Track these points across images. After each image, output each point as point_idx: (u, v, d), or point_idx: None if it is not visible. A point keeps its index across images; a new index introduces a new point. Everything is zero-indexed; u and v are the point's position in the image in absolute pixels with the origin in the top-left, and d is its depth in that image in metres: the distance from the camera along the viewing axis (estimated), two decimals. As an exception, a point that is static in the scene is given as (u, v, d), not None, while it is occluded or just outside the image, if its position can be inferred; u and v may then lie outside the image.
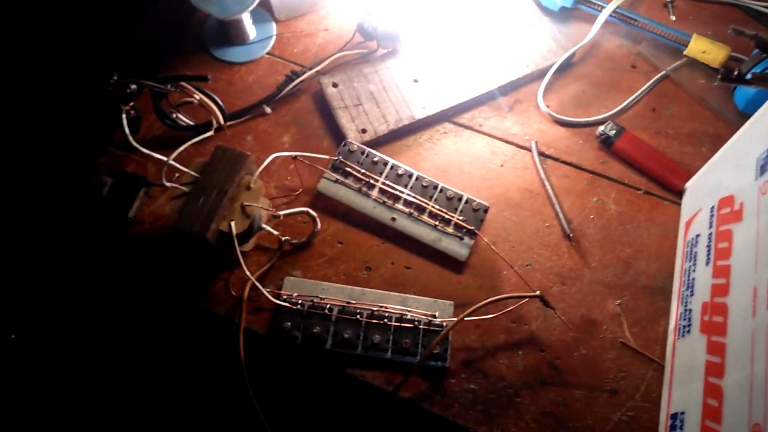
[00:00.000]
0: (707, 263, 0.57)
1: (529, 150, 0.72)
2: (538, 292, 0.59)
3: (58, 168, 0.67)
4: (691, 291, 0.59)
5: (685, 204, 0.68)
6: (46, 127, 0.68)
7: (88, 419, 0.82)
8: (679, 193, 0.69)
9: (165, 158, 0.58)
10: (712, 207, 0.59)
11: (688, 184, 0.68)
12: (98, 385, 0.82)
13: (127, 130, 0.58)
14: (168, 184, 0.58)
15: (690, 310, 0.58)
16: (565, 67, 0.76)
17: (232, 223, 0.58)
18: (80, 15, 0.72)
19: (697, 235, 0.61)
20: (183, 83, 0.63)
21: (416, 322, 0.60)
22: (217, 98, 0.67)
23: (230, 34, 0.76)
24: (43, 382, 0.81)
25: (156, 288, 0.63)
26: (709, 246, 0.58)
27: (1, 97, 0.71)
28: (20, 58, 0.70)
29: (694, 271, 0.60)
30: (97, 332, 0.82)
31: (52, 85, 0.70)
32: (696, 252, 0.61)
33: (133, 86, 0.57)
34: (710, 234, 0.58)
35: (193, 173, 0.59)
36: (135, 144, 0.58)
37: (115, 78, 0.56)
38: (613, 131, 0.71)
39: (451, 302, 0.61)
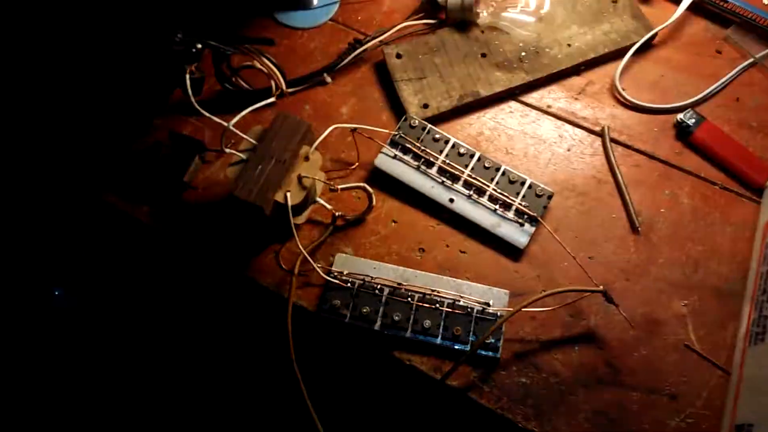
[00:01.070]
0: (789, 270, 0.53)
1: (600, 135, 0.68)
2: (601, 287, 0.56)
3: (116, 127, 0.67)
4: (768, 297, 0.55)
5: (766, 203, 0.63)
6: (106, 84, 0.68)
7: (127, 382, 0.83)
8: (760, 191, 0.64)
9: (224, 123, 0.57)
10: (800, 210, 0.55)
11: (772, 182, 0.64)
12: (141, 349, 0.83)
13: (190, 92, 0.57)
14: (227, 150, 0.57)
15: (765, 317, 0.54)
16: (645, 48, 0.71)
17: (288, 194, 0.56)
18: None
19: (780, 239, 0.57)
20: (247, 46, 0.62)
21: (469, 309, 0.58)
22: (278, 64, 0.66)
23: (295, -4, 0.74)
24: (88, 340, 0.82)
25: (205, 255, 0.63)
26: (793, 251, 0.53)
27: (66, 50, 0.71)
28: (83, 14, 0.69)
29: (772, 276, 0.56)
30: (144, 295, 0.83)
31: (115, 41, 0.69)
32: (776, 256, 0.56)
33: (199, 46, 0.56)
34: (796, 239, 0.54)
35: (251, 140, 0.58)
36: (197, 106, 0.57)
37: (180, 36, 0.55)
38: (693, 120, 0.67)
39: (507, 291, 0.59)
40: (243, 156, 0.57)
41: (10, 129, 0.73)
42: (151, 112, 0.67)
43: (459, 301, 0.58)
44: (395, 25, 0.71)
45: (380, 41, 0.71)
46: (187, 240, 0.63)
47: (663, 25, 0.71)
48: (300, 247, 0.57)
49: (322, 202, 0.61)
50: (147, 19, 0.68)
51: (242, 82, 0.68)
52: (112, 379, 0.83)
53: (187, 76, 0.56)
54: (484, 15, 0.72)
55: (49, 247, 0.81)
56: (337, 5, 0.76)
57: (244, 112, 0.57)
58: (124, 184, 0.65)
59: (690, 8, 0.72)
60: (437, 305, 0.58)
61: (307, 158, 0.59)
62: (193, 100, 0.57)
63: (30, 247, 0.80)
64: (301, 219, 0.62)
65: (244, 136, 0.58)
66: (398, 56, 0.71)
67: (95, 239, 0.79)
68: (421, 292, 0.59)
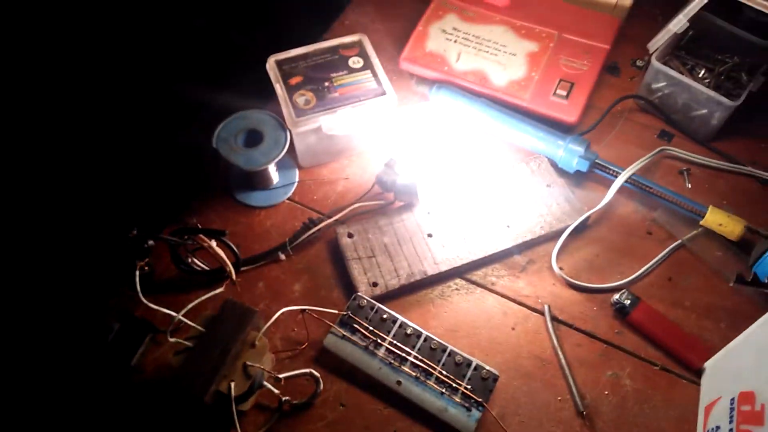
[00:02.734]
0: (728, 462, 0.53)
1: (542, 313, 0.71)
2: (546, 481, 0.56)
3: (71, 307, 0.67)
4: (712, 489, 0.55)
5: (705, 386, 0.65)
6: (59, 269, 0.69)
7: None
8: (698, 372, 0.67)
9: (173, 314, 0.58)
10: (732, 399, 0.57)
11: (708, 364, 0.66)
12: None
13: (138, 287, 0.59)
14: (171, 340, 0.58)
15: None
16: (580, 229, 0.76)
17: (232, 385, 0.56)
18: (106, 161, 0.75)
19: (717, 427, 0.58)
20: (201, 236, 0.64)
21: (415, 505, 0.56)
22: (233, 246, 0.68)
23: (254, 180, 0.78)
24: None
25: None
26: (730, 443, 0.54)
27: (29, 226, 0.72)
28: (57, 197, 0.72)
29: (715, 465, 0.56)
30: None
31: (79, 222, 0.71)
32: (716, 444, 0.57)
33: (151, 242, 0.58)
34: (731, 430, 0.55)
35: (199, 328, 0.59)
36: (144, 300, 0.58)
37: (135, 233, 0.58)
38: (629, 301, 0.70)
39: (454, 483, 0.58)
40: (189, 344, 0.58)
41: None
42: (103, 295, 0.68)
43: (404, 495, 0.57)
44: (348, 205, 0.76)
45: (334, 220, 0.75)
46: (131, 425, 0.62)
47: (594, 208, 0.77)
48: (242, 439, 0.57)
49: (269, 386, 0.61)
50: (104, 211, 0.70)
51: (198, 262, 0.70)
52: None
53: (137, 272, 0.58)
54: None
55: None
56: (295, 185, 0.80)
57: (191, 305, 0.59)
58: (71, 366, 0.64)
59: (619, 192, 0.78)
60: (382, 500, 0.56)
61: (253, 345, 0.60)
62: (141, 295, 0.58)
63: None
64: (246, 405, 0.62)
65: (192, 323, 0.59)
66: (350, 236, 0.74)
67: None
68: (366, 486, 0.57)
